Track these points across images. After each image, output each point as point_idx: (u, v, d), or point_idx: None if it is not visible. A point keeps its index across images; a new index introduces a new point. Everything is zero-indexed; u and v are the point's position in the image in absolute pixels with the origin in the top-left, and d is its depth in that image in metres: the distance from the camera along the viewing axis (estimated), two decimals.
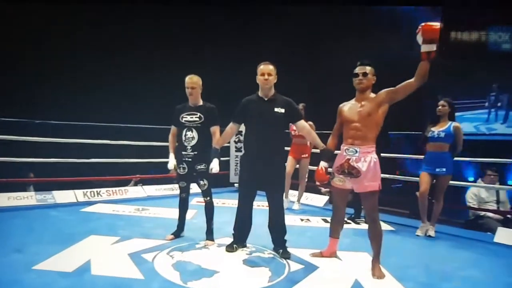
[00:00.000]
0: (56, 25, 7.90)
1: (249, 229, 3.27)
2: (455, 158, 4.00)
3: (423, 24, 2.35)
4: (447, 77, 9.15)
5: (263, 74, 3.00)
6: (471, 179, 8.37)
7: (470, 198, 4.69)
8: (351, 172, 2.67)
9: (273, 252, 3.16)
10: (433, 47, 2.35)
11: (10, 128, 4.80)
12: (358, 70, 2.70)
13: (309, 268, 2.83)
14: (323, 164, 2.91)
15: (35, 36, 7.60)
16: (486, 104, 9.41)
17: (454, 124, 3.89)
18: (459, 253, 3.48)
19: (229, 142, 6.55)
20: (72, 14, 8.01)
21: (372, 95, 2.70)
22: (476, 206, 4.63)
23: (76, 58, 8.07)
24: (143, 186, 5.97)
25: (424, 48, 2.37)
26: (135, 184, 6.14)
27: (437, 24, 2.34)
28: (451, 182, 4.30)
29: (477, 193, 4.66)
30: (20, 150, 5.05)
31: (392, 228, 4.31)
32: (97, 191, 5.29)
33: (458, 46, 8.94)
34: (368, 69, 2.68)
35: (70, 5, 7.85)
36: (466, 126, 9.17)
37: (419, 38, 2.37)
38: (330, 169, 2.90)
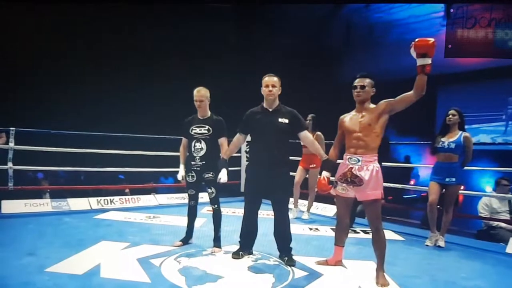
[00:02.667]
0: (72, 35, 8.19)
1: (255, 236, 3.32)
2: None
3: (416, 40, 2.41)
4: (465, 89, 9.11)
5: (267, 86, 3.08)
6: (490, 189, 8.24)
7: (482, 208, 4.61)
8: (354, 180, 2.71)
9: (279, 260, 3.19)
10: (427, 61, 2.40)
11: (27, 138, 4.99)
12: (356, 82, 2.76)
13: (313, 275, 2.86)
14: (325, 174, 2.96)
15: (52, 47, 7.88)
16: (504, 117, 9.28)
17: (465, 134, 3.86)
18: (467, 264, 3.44)
19: (240, 152, 6.64)
20: (85, 25, 8.30)
21: (372, 106, 2.76)
22: (488, 216, 4.55)
23: (90, 69, 8.33)
24: (156, 195, 6.09)
25: (419, 62, 2.43)
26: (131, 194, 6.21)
27: (430, 39, 2.39)
28: (461, 191, 4.26)
29: (489, 203, 4.58)
30: (37, 160, 5.24)
31: (402, 238, 4.28)
32: (110, 199, 5.43)
33: (464, 44, 8.86)
34: (366, 81, 2.75)
35: (82, 17, 8.14)
36: (483, 138, 9.08)
37: (413, 53, 2.44)
38: (332, 178, 2.94)
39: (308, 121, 4.88)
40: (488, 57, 8.72)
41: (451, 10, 9.07)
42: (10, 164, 4.73)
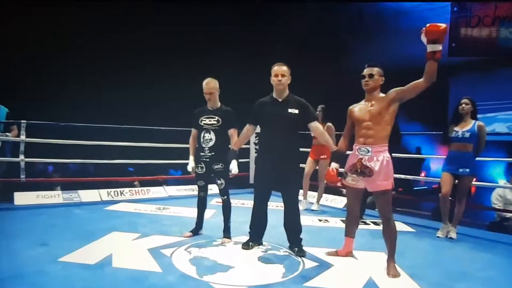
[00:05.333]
0: (82, 28, 8.21)
1: (265, 227, 3.32)
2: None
3: (427, 25, 2.35)
4: (478, 78, 8.96)
5: (276, 75, 3.04)
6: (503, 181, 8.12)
7: (495, 199, 4.56)
8: (364, 171, 2.68)
9: (289, 250, 3.19)
10: (438, 47, 2.35)
11: (35, 131, 5.04)
12: (364, 72, 2.73)
13: (324, 266, 2.85)
14: (334, 165, 2.94)
15: (62, 39, 7.90)
16: None
17: (478, 123, 3.79)
18: (479, 255, 3.39)
19: (249, 144, 6.62)
20: (95, 18, 8.31)
21: (382, 95, 2.73)
22: (501, 208, 4.49)
23: (100, 62, 8.35)
24: (165, 187, 6.12)
25: (429, 48, 2.37)
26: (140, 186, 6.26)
27: (442, 25, 2.33)
28: (474, 183, 4.19)
29: (503, 194, 4.52)
30: (45, 152, 5.29)
31: (413, 230, 4.24)
32: (120, 191, 5.47)
33: (468, 42, 8.72)
34: (375, 70, 2.71)
35: (94, 8, 8.14)
36: (498, 126, 8.98)
37: (423, 39, 2.38)
38: (341, 169, 2.91)
39: (318, 112, 4.84)
40: (492, 56, 8.59)
41: (455, 9, 8.93)
42: (22, 157, 4.79)
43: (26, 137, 4.84)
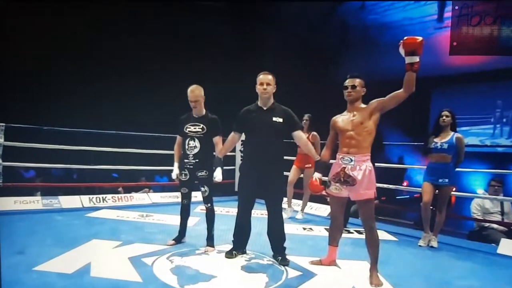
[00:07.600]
0: (70, 33, 8.09)
1: (248, 235, 3.30)
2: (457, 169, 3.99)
3: (405, 38, 2.46)
4: (456, 92, 9.20)
5: (262, 84, 3.05)
6: (481, 191, 8.31)
7: (475, 209, 4.64)
8: (347, 180, 2.72)
9: (272, 259, 3.17)
10: (415, 59, 2.45)
11: (18, 134, 4.92)
12: (347, 82, 2.79)
13: (307, 275, 2.84)
14: (317, 175, 2.97)
15: (46, 42, 7.76)
16: (492, 119, 9.39)
17: (457, 135, 3.89)
18: (460, 264, 3.45)
19: (234, 151, 6.61)
20: (84, 24, 8.21)
21: (363, 105, 2.79)
22: (480, 217, 4.58)
23: (85, 66, 8.24)
24: (149, 193, 6.03)
25: (407, 60, 2.47)
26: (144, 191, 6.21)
27: (418, 38, 2.44)
28: (454, 193, 4.27)
29: (482, 203, 4.61)
30: (28, 156, 5.16)
31: (395, 239, 4.29)
32: (102, 197, 5.35)
33: (469, 41, 8.89)
34: (357, 81, 2.77)
35: (82, 15, 8.05)
36: (471, 140, 9.19)
37: (401, 51, 2.48)
38: (325, 178, 2.93)
39: (304, 121, 4.87)
40: (493, 54, 8.72)
41: (456, 7, 9.09)
42: None
43: (6, 140, 4.71)
